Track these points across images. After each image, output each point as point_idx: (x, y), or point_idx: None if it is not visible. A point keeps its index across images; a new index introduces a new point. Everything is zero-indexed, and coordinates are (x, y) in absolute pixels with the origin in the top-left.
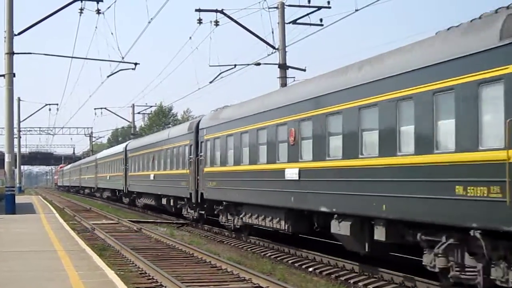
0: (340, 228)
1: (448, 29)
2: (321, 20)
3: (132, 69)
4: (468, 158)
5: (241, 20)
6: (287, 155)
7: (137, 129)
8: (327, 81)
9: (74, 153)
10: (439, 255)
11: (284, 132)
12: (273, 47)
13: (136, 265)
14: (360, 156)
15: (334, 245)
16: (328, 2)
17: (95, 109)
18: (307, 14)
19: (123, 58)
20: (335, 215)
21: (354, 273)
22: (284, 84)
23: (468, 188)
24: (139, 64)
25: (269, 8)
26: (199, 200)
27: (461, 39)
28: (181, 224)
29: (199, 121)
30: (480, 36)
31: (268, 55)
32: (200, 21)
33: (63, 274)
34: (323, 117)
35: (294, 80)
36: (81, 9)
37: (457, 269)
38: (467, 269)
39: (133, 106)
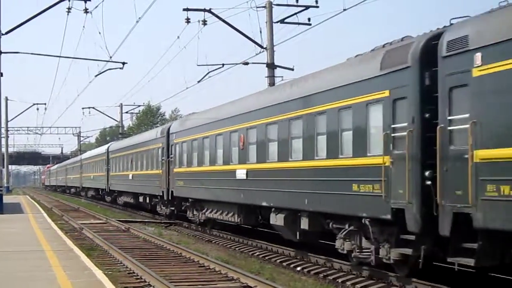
0: (277, 219)
1: (356, 56)
2: (309, 19)
3: (120, 68)
4: (360, 162)
5: (229, 20)
6: (238, 158)
7: (125, 129)
8: (267, 96)
9: (62, 152)
10: (346, 240)
11: (235, 138)
12: (261, 47)
13: (124, 265)
14: (290, 159)
15: (321, 244)
16: (316, 2)
17: (83, 108)
18: (295, 14)
19: (111, 57)
20: (273, 209)
21: (342, 272)
22: (272, 84)
23: (361, 185)
24: (127, 63)
25: (257, 7)
26: (170, 198)
27: (358, 68)
28: (169, 223)
29: (170, 126)
30: (369, 66)
31: (256, 54)
32: (188, 20)
33: (51, 274)
34: (264, 126)
35: (282, 79)
36: (69, 9)
37: (357, 250)
38: (364, 250)
39: (121, 105)
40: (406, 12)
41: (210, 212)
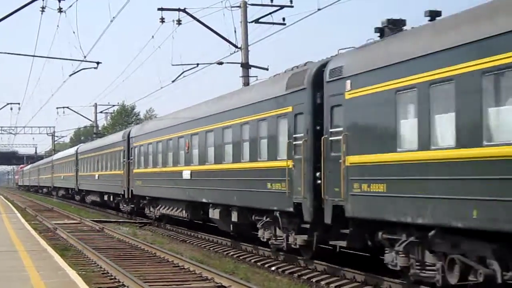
0: (214, 214)
1: (274, 75)
2: (283, 19)
3: (94, 68)
4: (272, 165)
5: (203, 19)
6: (184, 160)
7: (100, 129)
8: (208, 107)
9: (36, 152)
10: (266, 230)
11: (182, 143)
12: (236, 46)
13: (98, 265)
14: (223, 162)
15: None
16: (291, 1)
17: (57, 108)
18: (270, 13)
19: (85, 57)
20: (211, 205)
21: (317, 272)
22: (246, 83)
23: (273, 184)
24: (101, 63)
25: (231, 7)
26: (130, 196)
27: (272, 86)
28: (144, 223)
29: (130, 131)
30: (279, 86)
31: (231, 54)
32: (162, 20)
33: (24, 275)
34: (204, 133)
35: (257, 79)
36: (43, 8)
37: (274, 238)
38: (278, 238)
39: (95, 105)
40: (379, 11)
41: (164, 208)
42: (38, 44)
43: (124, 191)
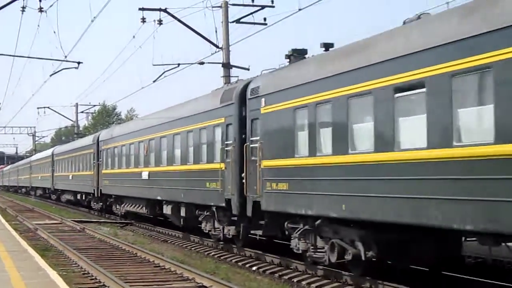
0: (167, 210)
1: (216, 89)
2: (265, 19)
3: (75, 68)
4: (210, 167)
5: (184, 19)
6: (143, 162)
7: (81, 129)
8: (162, 115)
9: (16, 152)
10: (207, 222)
11: (142, 147)
12: (217, 46)
13: (79, 265)
14: (174, 164)
15: (277, 244)
16: (272, 1)
17: (38, 108)
18: (251, 13)
19: (66, 57)
20: (164, 202)
21: (298, 272)
22: (228, 83)
23: (210, 183)
24: (82, 63)
25: (212, 7)
26: (99, 195)
27: (211, 100)
28: (125, 223)
29: (99, 135)
30: (215, 100)
31: (212, 54)
32: (143, 20)
33: (4, 275)
34: (159, 138)
35: (238, 79)
36: (23, 8)
37: (213, 230)
38: (216, 230)
39: (76, 105)
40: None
41: (128, 206)
42: (19, 44)
43: (94, 190)
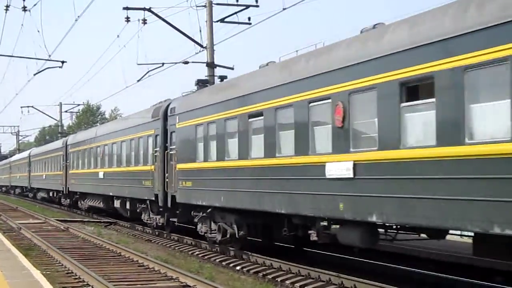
0: (117, 204)
1: (152, 106)
2: (249, 18)
3: (59, 67)
4: (144, 168)
5: (169, 19)
6: (100, 164)
7: (65, 128)
8: (112, 125)
9: (0, 152)
10: (144, 213)
11: (99, 151)
12: (201, 46)
13: (62, 265)
14: (121, 166)
15: (260, 243)
16: (256, 1)
17: (21, 107)
18: (235, 13)
19: (50, 56)
20: (115, 197)
21: (282, 271)
22: (212, 83)
23: (145, 182)
24: (66, 62)
25: (197, 6)
26: (67, 192)
27: (146, 115)
28: (109, 223)
29: (68, 139)
30: (149, 115)
31: (196, 53)
32: (128, 19)
33: None
34: (111, 144)
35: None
36: (7, 6)
37: (148, 219)
38: (151, 218)
39: (60, 104)
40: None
41: (89, 201)
42: (2, 43)
43: (63, 188)
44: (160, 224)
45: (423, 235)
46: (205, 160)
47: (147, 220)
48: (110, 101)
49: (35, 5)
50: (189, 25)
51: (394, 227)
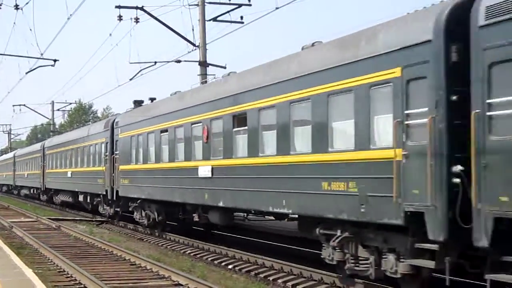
0: (81, 198)
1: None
2: (241, 17)
3: (51, 65)
4: (99, 169)
5: (161, 17)
6: (68, 164)
7: (57, 126)
8: (72, 133)
9: None
10: (99, 205)
11: (68, 154)
12: (194, 45)
13: (54, 263)
14: (83, 166)
15: (253, 242)
16: (249, 0)
17: (13, 106)
18: (228, 12)
19: (42, 54)
20: (79, 192)
21: (274, 270)
22: (204, 81)
23: (99, 179)
24: (58, 60)
25: (189, 5)
26: (45, 189)
27: (101, 125)
28: (101, 221)
29: (45, 143)
30: (102, 125)
31: (189, 52)
32: (120, 18)
33: None
34: (76, 148)
35: (215, 77)
36: None
37: (103, 210)
38: (104, 209)
39: (52, 103)
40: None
41: (62, 196)
42: None
43: (41, 185)
44: (111, 214)
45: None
46: (137, 162)
47: (102, 211)
48: (103, 100)
49: (27, 3)
50: (182, 24)
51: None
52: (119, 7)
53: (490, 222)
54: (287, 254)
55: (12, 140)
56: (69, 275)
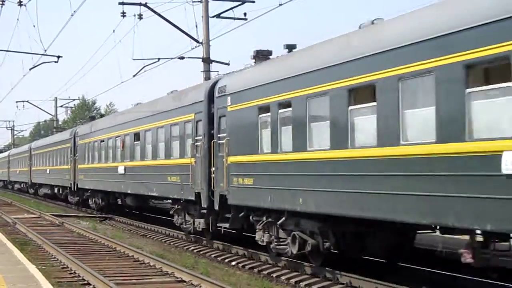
0: (56, 190)
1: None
2: (245, 14)
3: (55, 62)
4: (63, 167)
5: (165, 14)
6: (47, 163)
7: (60, 123)
8: (46, 140)
9: None
10: (66, 194)
11: (47, 155)
12: (197, 41)
13: (58, 260)
14: (57, 165)
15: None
16: None
17: (17, 102)
18: (231, 8)
19: (45, 50)
20: (55, 186)
21: (277, 267)
22: (207, 78)
23: (66, 176)
24: (61, 57)
25: (193, 2)
26: (31, 183)
27: (66, 133)
28: (104, 218)
29: (32, 144)
30: (65, 135)
31: (192, 48)
32: (123, 14)
33: None
34: (47, 152)
35: (218, 74)
36: (3, 1)
37: (70, 198)
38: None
39: (55, 99)
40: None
41: (43, 189)
42: None
43: (28, 180)
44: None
45: None
46: (88, 163)
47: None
48: (106, 96)
49: None
50: (185, 21)
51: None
52: (122, 3)
53: (218, 196)
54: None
55: (15, 136)
56: (72, 271)
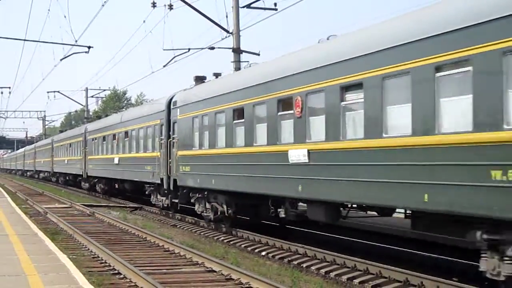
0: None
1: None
2: (275, 4)
3: (86, 52)
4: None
5: (195, 4)
6: (66, 155)
7: (91, 113)
8: (64, 134)
9: (26, 136)
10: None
11: (65, 147)
12: (227, 31)
13: (88, 249)
14: (74, 155)
15: (287, 229)
16: None
17: (48, 92)
18: None
19: (76, 41)
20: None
21: (307, 257)
22: (238, 68)
23: (78, 167)
24: (92, 47)
25: None
26: (53, 172)
27: (74, 131)
28: (134, 208)
29: (53, 138)
30: (78, 131)
31: (222, 39)
32: (154, 4)
33: (14, 259)
34: (68, 144)
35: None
36: None
37: (156, 200)
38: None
39: (86, 89)
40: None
41: (61, 177)
42: (29, 28)
43: (51, 168)
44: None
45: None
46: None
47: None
48: (136, 86)
49: None
50: (216, 11)
51: None
52: None
53: (172, 180)
54: (321, 241)
55: (46, 126)
56: (103, 261)
